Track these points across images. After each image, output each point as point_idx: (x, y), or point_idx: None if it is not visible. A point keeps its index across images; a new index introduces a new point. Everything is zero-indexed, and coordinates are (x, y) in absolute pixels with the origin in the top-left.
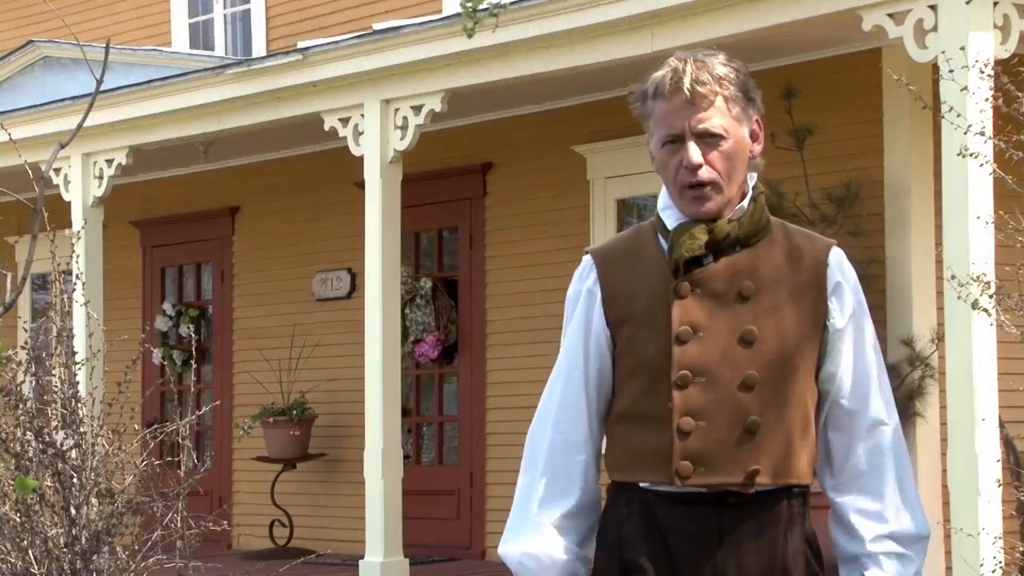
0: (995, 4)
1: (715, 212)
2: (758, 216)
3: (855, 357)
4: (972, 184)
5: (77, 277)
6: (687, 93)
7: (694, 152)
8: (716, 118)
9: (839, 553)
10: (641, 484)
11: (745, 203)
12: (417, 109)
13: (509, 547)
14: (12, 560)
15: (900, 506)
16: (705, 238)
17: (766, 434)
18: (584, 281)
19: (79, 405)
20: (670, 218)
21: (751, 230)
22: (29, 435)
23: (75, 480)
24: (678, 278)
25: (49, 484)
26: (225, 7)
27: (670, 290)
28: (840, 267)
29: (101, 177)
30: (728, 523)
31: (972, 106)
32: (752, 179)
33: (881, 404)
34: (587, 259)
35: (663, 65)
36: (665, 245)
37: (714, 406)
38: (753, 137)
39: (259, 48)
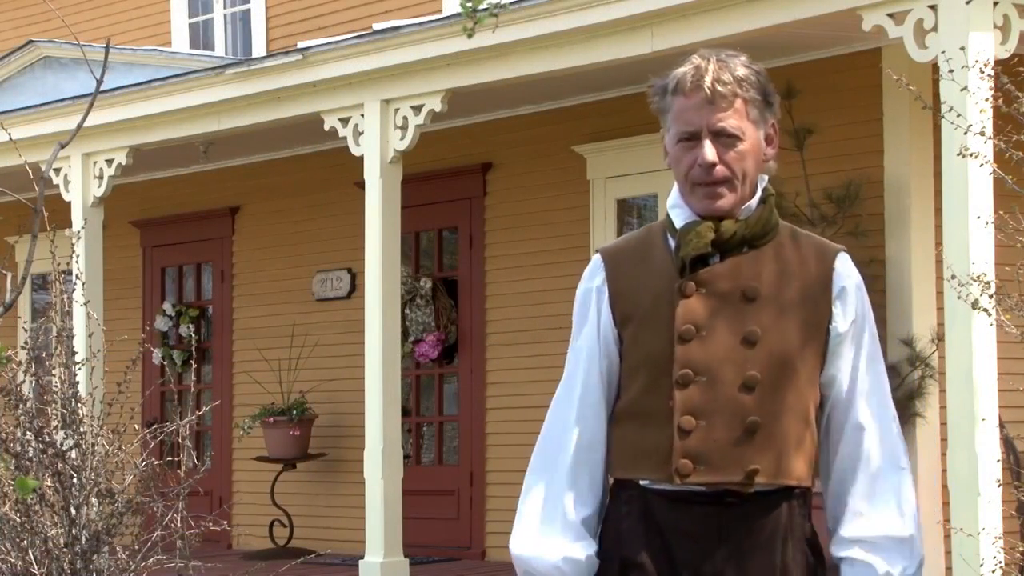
0: (995, 4)
1: (727, 209)
2: (766, 218)
3: (853, 362)
4: (972, 184)
5: (77, 277)
6: (707, 92)
7: (709, 151)
8: (733, 119)
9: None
10: (641, 482)
11: (754, 203)
12: (417, 109)
13: (542, 550)
14: (12, 560)
15: (880, 510)
16: (711, 236)
17: (765, 435)
18: (593, 279)
19: (79, 405)
20: (678, 216)
21: (758, 231)
22: (29, 435)
23: (75, 480)
24: (684, 277)
25: (49, 484)
26: (225, 7)
27: (675, 289)
28: (846, 272)
29: (101, 177)
30: (727, 523)
31: (972, 106)
32: (763, 181)
33: (872, 410)
34: (596, 258)
35: (686, 62)
36: (673, 244)
37: (715, 406)
38: (768, 141)
39: (259, 48)
